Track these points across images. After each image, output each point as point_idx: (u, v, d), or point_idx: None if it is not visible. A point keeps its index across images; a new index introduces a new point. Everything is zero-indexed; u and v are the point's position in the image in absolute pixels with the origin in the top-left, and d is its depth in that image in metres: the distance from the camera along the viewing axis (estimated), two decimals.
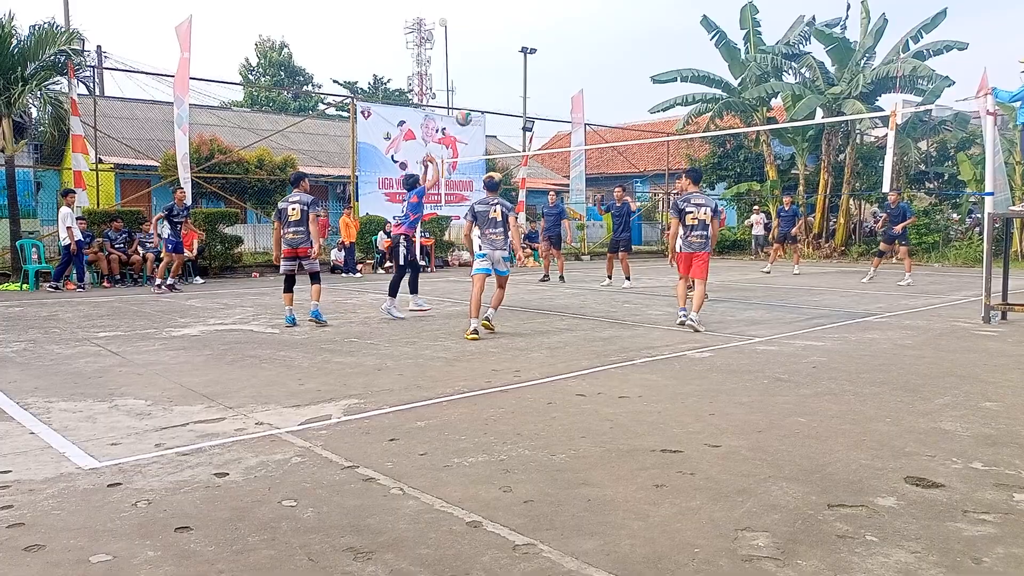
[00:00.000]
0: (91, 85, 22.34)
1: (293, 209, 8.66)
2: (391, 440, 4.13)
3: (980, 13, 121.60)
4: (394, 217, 9.75)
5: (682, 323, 8.34)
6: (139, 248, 14.99)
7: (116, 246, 14.67)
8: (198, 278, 15.29)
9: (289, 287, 8.88)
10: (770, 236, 19.89)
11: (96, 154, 17.86)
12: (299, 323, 8.72)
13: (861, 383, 5.54)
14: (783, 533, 2.88)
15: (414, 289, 9.87)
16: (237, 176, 20.73)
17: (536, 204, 30.05)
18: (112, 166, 20.94)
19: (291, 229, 8.66)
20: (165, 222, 13.27)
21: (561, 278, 15.06)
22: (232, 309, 10.38)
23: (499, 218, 8.09)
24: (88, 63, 19.51)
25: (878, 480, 3.47)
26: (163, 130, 24.99)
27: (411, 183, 10.03)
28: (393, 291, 9.42)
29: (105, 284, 14.21)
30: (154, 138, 24.43)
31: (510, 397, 5.17)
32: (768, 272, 17.30)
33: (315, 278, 8.89)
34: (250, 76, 44.85)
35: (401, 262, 9.50)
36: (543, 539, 2.83)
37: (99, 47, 27.13)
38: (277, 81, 43.74)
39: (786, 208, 17.19)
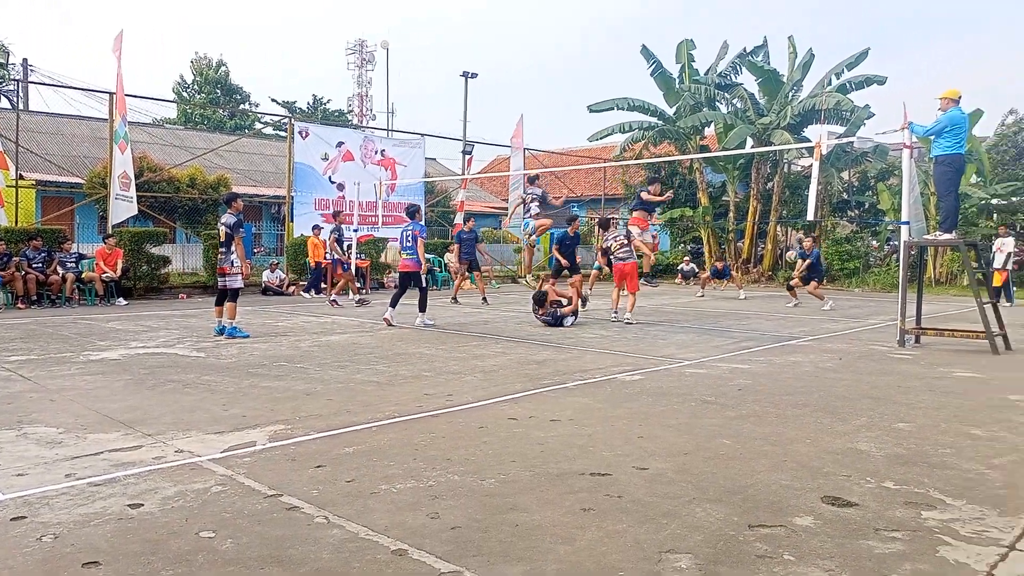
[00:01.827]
0: (14, 99, 21.52)
1: (219, 229, 9.52)
2: (318, 467, 4.05)
3: (900, 52, 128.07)
4: (402, 252, 11.32)
5: (615, 320, 11.47)
6: (58, 268, 14.39)
7: (34, 266, 14.05)
8: (121, 299, 14.76)
9: (218, 301, 9.67)
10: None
11: (17, 170, 17.15)
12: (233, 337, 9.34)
13: (784, 405, 5.70)
14: (705, 554, 2.93)
15: (423, 307, 11.01)
16: (167, 195, 20.19)
17: (475, 227, 30.13)
18: (33, 182, 20.16)
19: (220, 249, 9.50)
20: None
21: (484, 300, 15.53)
22: (156, 332, 10.05)
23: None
24: (13, 76, 18.80)
25: (797, 500, 3.56)
26: (90, 146, 24.22)
27: (411, 212, 11.30)
28: (422, 307, 10.93)
29: (20, 305, 13.57)
30: (80, 154, 23.63)
31: (441, 422, 5.13)
32: (701, 296, 18.02)
33: (230, 295, 9.51)
34: (184, 93, 43.88)
35: (424, 285, 11.06)
36: (469, 566, 2.81)
37: (25, 60, 26.18)
38: (213, 99, 42.91)
39: (719, 268, 19.13)
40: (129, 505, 3.44)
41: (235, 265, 9.44)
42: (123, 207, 16.06)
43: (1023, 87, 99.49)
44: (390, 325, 10.72)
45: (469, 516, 3.33)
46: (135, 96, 19.08)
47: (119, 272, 14.92)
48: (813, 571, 2.79)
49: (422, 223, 11.36)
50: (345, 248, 15.79)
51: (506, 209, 31.12)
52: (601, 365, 7.54)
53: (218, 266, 9.66)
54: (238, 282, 9.53)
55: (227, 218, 9.47)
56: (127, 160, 16.16)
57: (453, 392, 6.12)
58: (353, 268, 16.44)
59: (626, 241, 11.77)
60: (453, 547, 2.99)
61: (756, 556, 2.92)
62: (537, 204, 12.53)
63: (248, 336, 9.50)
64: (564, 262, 11.79)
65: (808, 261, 15.15)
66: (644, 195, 12.96)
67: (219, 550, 2.94)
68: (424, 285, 10.94)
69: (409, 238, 11.00)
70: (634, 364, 7.61)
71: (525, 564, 2.84)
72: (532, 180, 13.58)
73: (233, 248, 9.43)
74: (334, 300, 14.69)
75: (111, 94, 16.89)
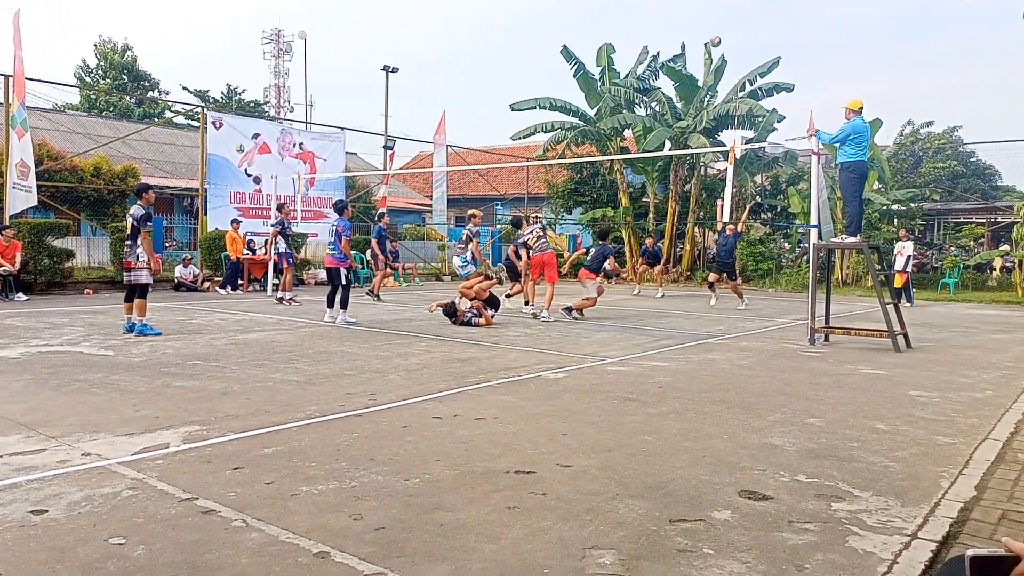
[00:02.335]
0: None
1: (126, 221, 9.19)
2: (235, 469, 3.92)
3: (808, 60, 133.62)
4: (328, 247, 11.13)
5: (532, 313, 11.93)
6: None
7: None
8: (21, 294, 13.95)
9: (127, 298, 9.28)
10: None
11: None
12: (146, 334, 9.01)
13: (702, 402, 5.86)
14: (628, 550, 2.98)
15: (344, 305, 10.78)
16: (69, 185, 19.17)
17: (396, 223, 29.85)
18: None
19: (126, 242, 9.13)
20: None
21: (377, 297, 15.61)
22: (60, 329, 9.55)
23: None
24: None
25: (715, 495, 3.67)
26: None
27: (340, 208, 11.24)
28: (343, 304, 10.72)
29: None
30: None
31: (364, 421, 5.06)
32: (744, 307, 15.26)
33: (138, 291, 9.11)
34: (87, 78, 41.77)
35: (345, 283, 10.73)
36: (393, 567, 2.78)
37: None
38: (119, 85, 41.01)
39: (727, 234, 16.31)
40: (32, 511, 3.25)
41: (140, 259, 9.05)
42: (21, 197, 15.15)
43: (921, 100, 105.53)
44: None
45: (393, 516, 3.29)
46: (34, 80, 18.07)
47: (17, 266, 14.09)
48: (731, 563, 2.87)
49: (348, 220, 11.17)
50: (274, 243, 15.03)
51: (429, 206, 30.98)
52: (525, 363, 7.58)
53: (124, 259, 9.32)
54: (144, 277, 9.14)
55: (135, 209, 9.09)
56: (26, 147, 15.26)
57: (376, 391, 6.04)
58: (270, 265, 16.04)
59: (542, 233, 12.13)
60: (376, 548, 2.94)
61: (677, 550, 2.99)
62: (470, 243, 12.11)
63: (160, 333, 9.13)
64: (520, 264, 12.15)
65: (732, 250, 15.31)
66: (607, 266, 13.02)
67: (130, 557, 2.81)
68: (345, 283, 10.70)
69: (334, 233, 10.94)
70: (557, 362, 7.68)
71: (450, 564, 2.82)
72: (469, 218, 12.86)
73: (139, 242, 9.04)
74: (292, 299, 13.98)
75: (6, 76, 15.93)
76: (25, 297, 13.88)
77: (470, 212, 12.91)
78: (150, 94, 42.10)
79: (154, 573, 2.68)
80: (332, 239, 10.96)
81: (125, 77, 41.83)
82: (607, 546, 3.01)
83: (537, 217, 14.41)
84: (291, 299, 13.96)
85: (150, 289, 9.35)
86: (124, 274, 9.34)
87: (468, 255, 11.92)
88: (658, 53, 25.24)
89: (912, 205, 24.22)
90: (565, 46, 24.74)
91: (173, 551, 2.87)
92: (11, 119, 15.16)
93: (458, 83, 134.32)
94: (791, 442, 4.69)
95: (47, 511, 3.26)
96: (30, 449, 4.21)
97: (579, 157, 25.18)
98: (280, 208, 15.12)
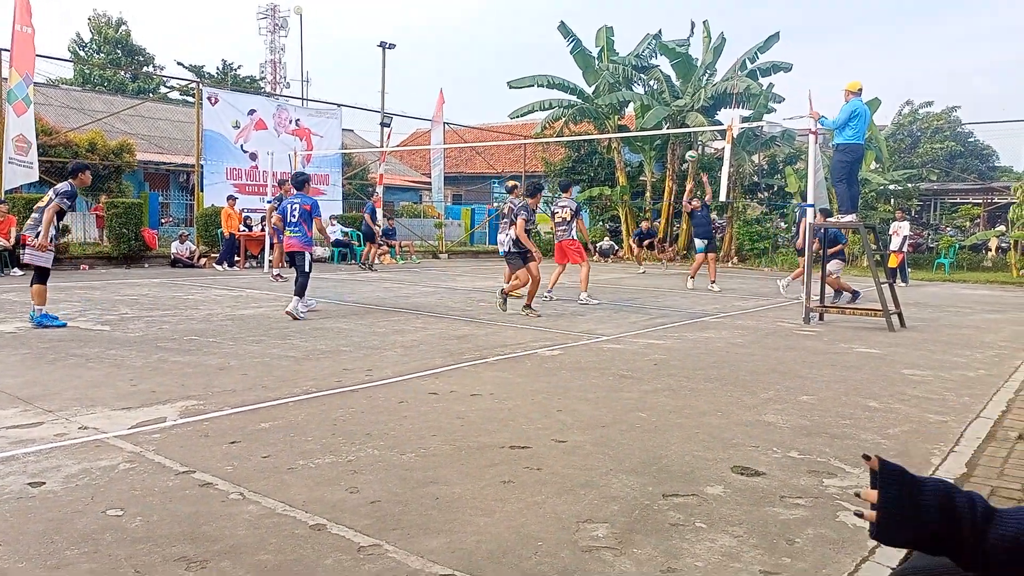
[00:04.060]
0: None
1: (46, 195, 7.99)
2: (232, 443, 3.94)
3: (810, 41, 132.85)
4: (287, 229, 9.26)
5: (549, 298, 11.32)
6: None
7: None
8: (16, 270, 13.92)
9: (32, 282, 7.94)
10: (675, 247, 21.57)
11: None
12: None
13: (697, 379, 5.89)
14: (621, 523, 3.01)
15: (301, 292, 9.02)
16: (64, 160, 19.03)
17: (393, 200, 29.74)
18: None
19: (33, 215, 7.93)
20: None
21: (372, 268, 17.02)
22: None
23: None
24: None
25: (708, 470, 3.70)
26: None
27: (300, 182, 9.50)
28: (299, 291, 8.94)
29: None
30: None
31: (361, 397, 5.08)
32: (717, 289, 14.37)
33: (36, 276, 7.82)
34: (81, 53, 41.35)
35: (307, 269, 9.06)
36: (389, 539, 2.81)
37: None
38: (113, 60, 40.62)
39: (644, 229, 15.44)
40: (29, 484, 3.27)
41: (38, 236, 7.71)
42: (20, 173, 15.08)
43: (918, 79, 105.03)
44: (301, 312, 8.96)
45: (389, 490, 3.32)
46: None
47: (12, 241, 14.05)
48: (723, 537, 2.91)
49: (313, 197, 9.46)
50: (270, 219, 14.91)
51: (426, 184, 30.88)
52: (521, 340, 7.60)
53: (23, 233, 8.13)
54: (41, 259, 7.80)
55: (62, 185, 7.86)
56: (27, 123, 15.14)
57: (372, 367, 6.06)
58: (267, 241, 16.02)
59: (568, 216, 10.97)
60: (372, 521, 2.97)
61: (670, 524, 3.02)
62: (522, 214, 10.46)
63: (64, 325, 7.78)
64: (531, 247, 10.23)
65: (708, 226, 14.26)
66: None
67: (128, 528, 2.84)
68: (307, 268, 9.06)
69: (295, 212, 9.06)
70: (553, 339, 7.71)
71: (445, 536, 2.85)
72: (510, 191, 11.80)
73: (43, 216, 7.73)
74: (279, 275, 13.73)
75: (1, 51, 15.78)
76: (21, 272, 13.84)
77: (511, 183, 12.07)
78: (145, 69, 41.70)
79: (152, 544, 2.71)
80: (293, 219, 9.08)
81: (119, 52, 41.42)
82: (601, 520, 3.04)
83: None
84: (278, 275, 13.88)
85: (48, 274, 7.97)
86: (25, 251, 8.08)
87: (512, 231, 10.81)
88: (660, 31, 25.06)
89: (909, 185, 24.19)
90: (563, 22, 24.53)
91: (171, 523, 2.90)
92: (8, 94, 15.03)
93: (455, 61, 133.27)
94: (784, 419, 4.72)
95: (44, 483, 3.29)
96: (27, 422, 4.23)
97: (576, 135, 25.07)
98: (281, 184, 14.87)
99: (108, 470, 3.48)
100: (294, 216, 9.09)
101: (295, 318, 8.68)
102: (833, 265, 11.61)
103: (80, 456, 3.67)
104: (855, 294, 11.61)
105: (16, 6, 14.92)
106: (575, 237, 11.02)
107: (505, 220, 10.86)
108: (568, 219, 10.97)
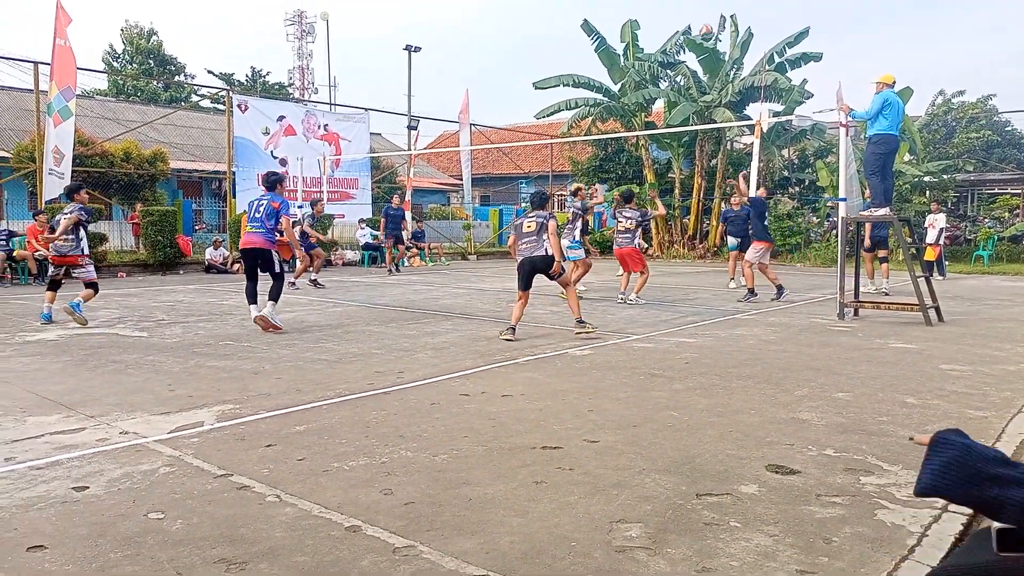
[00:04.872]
0: None
1: (68, 217, 8.80)
2: (268, 446, 4.00)
3: (835, 31, 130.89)
4: (248, 225, 8.51)
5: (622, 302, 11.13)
6: None
7: None
8: None
9: (53, 288, 9.00)
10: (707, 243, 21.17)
11: None
12: (55, 320, 8.76)
13: (729, 377, 5.85)
14: (655, 523, 3.00)
15: (275, 296, 8.41)
16: (100, 170, 19.46)
17: (421, 203, 29.91)
18: None
19: (68, 236, 8.83)
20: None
21: (398, 268, 17.15)
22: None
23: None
24: None
25: (742, 469, 3.68)
26: (15, 118, 23.16)
27: (272, 182, 8.64)
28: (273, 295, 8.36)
29: None
30: (5, 127, 22.61)
31: (393, 399, 5.12)
32: (734, 286, 14.09)
33: (89, 286, 8.86)
34: (115, 64, 42.19)
35: (278, 271, 8.45)
36: (423, 540, 2.83)
37: None
38: (145, 70, 41.38)
39: (735, 209, 14.24)
40: (74, 488, 3.35)
41: (85, 251, 9.01)
42: (57, 184, 15.47)
43: (951, 69, 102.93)
44: (269, 325, 8.18)
45: (422, 492, 3.34)
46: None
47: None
48: (758, 536, 2.89)
49: (287, 200, 8.68)
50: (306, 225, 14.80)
51: (454, 186, 31.00)
52: (551, 341, 7.60)
53: (64, 254, 8.85)
54: (92, 273, 9.02)
55: (74, 207, 8.84)
56: (62, 134, 15.50)
57: (404, 369, 6.11)
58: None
59: (632, 226, 11.28)
60: (407, 522, 3.00)
61: (704, 524, 3.01)
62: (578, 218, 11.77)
63: (79, 309, 8.48)
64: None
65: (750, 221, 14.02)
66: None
67: (169, 531, 2.90)
68: (279, 270, 8.42)
69: (260, 208, 8.30)
70: (583, 339, 7.69)
71: (479, 537, 2.87)
72: (574, 194, 12.50)
73: (63, 221, 8.77)
74: (293, 283, 12.92)
75: (36, 64, 16.16)
76: None
77: (575, 186, 12.47)
78: (176, 78, 42.43)
79: (192, 546, 2.77)
80: (258, 215, 8.32)
81: (151, 62, 42.17)
82: (634, 519, 3.04)
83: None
84: (292, 282, 13.01)
85: (96, 283, 9.05)
86: (74, 271, 9.01)
87: (577, 234, 11.54)
88: (688, 27, 24.87)
89: (945, 176, 23.74)
90: (586, 20, 24.46)
91: (210, 525, 2.96)
92: (47, 107, 15.40)
93: (480, 62, 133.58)
94: (819, 416, 4.67)
95: (88, 488, 3.37)
96: (71, 428, 4.33)
97: (603, 134, 24.99)
98: (314, 204, 14.70)
99: (149, 474, 3.55)
100: (259, 212, 8.33)
101: (268, 326, 8.03)
102: (753, 253, 11.65)
103: (122, 460, 3.75)
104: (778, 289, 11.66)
105: (56, 21, 15.28)
106: (637, 246, 11.37)
107: (569, 225, 11.62)
108: (632, 228, 11.30)
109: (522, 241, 7.95)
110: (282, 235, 8.54)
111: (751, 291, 11.47)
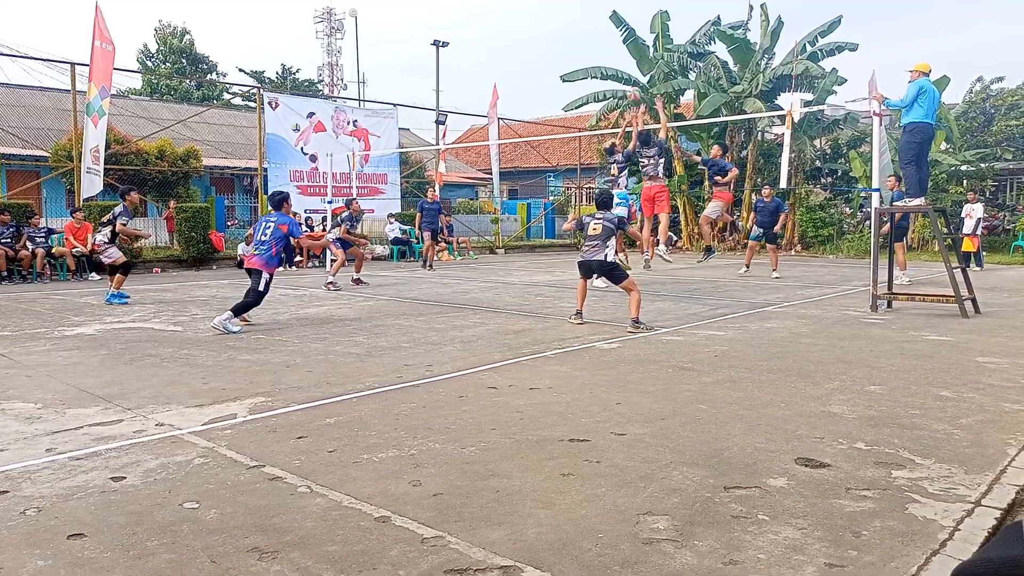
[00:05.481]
0: None
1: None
2: (299, 438, 4.07)
3: (870, 20, 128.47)
4: (252, 246, 8.51)
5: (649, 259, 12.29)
6: (28, 243, 14.15)
7: (3, 241, 13.80)
8: (93, 274, 14.56)
9: (111, 272, 10.73)
10: (739, 234, 21.00)
11: None
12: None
13: (758, 370, 5.80)
14: (682, 516, 3.00)
15: (239, 311, 8.12)
16: (136, 168, 19.80)
17: (450, 197, 30.00)
18: None
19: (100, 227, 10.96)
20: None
21: (431, 266, 16.65)
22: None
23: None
24: None
25: (771, 462, 3.65)
26: (53, 118, 23.66)
27: (278, 201, 8.59)
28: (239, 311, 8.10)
29: None
30: (44, 127, 23.10)
31: (421, 391, 5.17)
32: (745, 272, 15.09)
33: (120, 268, 10.50)
34: (148, 63, 42.87)
35: (261, 289, 8.15)
36: (451, 531, 2.87)
37: None
38: (178, 69, 42.00)
39: (765, 200, 14.67)
40: (112, 478, 3.44)
41: (103, 243, 10.52)
42: (96, 182, 15.79)
43: (990, 58, 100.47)
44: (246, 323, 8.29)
45: (450, 483, 3.38)
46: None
47: (89, 247, 14.69)
48: (787, 530, 2.87)
49: (294, 220, 8.68)
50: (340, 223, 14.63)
51: (482, 180, 30.98)
52: (579, 333, 7.60)
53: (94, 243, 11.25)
54: (109, 256, 10.58)
55: (117, 208, 10.56)
56: (100, 134, 15.80)
57: (433, 362, 6.15)
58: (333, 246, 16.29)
59: (661, 169, 12.07)
60: (435, 513, 3.03)
61: (732, 516, 3.00)
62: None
63: (127, 300, 10.40)
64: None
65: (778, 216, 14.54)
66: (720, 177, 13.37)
67: (204, 520, 2.96)
68: (261, 290, 8.12)
69: (267, 231, 8.27)
70: (611, 332, 7.68)
71: (506, 528, 2.89)
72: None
73: (111, 230, 10.46)
74: (331, 283, 12.57)
75: (72, 64, 16.47)
76: (98, 277, 14.47)
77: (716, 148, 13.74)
78: (208, 77, 42.99)
79: (226, 535, 2.83)
80: (264, 237, 8.25)
81: (184, 61, 42.78)
82: (661, 512, 3.04)
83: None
84: (331, 283, 12.69)
85: (127, 267, 10.79)
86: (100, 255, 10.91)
87: (622, 181, 12.46)
88: (718, 17, 24.59)
89: (983, 165, 23.20)
90: (615, 11, 24.31)
91: (243, 515, 3.02)
92: (87, 107, 15.70)
93: (508, 57, 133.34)
94: (850, 410, 4.62)
95: (125, 478, 3.45)
96: (108, 420, 4.44)
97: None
98: (348, 203, 14.55)
99: (184, 465, 3.63)
100: (265, 235, 8.26)
101: (223, 331, 7.65)
102: (712, 208, 13.13)
103: (158, 452, 3.84)
104: (710, 251, 13.39)
105: (95, 24, 15.57)
106: (664, 183, 11.98)
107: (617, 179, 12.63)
108: (659, 167, 12.12)
109: (586, 243, 8.30)
110: (295, 252, 9.41)
111: (708, 249, 12.20)
